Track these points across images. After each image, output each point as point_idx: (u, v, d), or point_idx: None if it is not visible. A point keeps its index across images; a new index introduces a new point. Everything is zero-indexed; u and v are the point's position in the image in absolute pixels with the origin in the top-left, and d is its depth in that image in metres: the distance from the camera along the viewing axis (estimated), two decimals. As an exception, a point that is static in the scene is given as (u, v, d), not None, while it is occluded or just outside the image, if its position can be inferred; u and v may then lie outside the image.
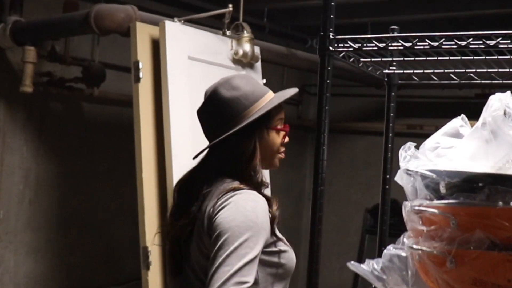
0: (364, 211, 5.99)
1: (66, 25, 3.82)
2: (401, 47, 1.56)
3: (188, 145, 3.29)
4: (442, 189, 1.36)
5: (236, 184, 1.93)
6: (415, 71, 1.97)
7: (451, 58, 1.79)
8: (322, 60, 1.56)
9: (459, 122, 1.59)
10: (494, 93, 5.56)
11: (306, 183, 6.36)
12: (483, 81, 2.02)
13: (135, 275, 3.96)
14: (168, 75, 3.22)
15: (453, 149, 1.47)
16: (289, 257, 1.98)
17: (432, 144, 1.53)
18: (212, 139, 2.04)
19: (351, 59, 1.83)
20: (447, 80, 2.07)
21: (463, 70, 1.90)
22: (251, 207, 1.85)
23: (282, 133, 2.08)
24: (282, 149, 2.11)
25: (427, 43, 1.55)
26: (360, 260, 5.70)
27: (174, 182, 3.16)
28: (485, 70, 1.98)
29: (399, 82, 2.13)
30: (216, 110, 2.03)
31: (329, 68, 1.55)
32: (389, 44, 1.59)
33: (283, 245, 1.96)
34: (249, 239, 1.79)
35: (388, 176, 2.07)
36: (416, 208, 1.40)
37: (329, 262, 6.00)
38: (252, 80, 2.12)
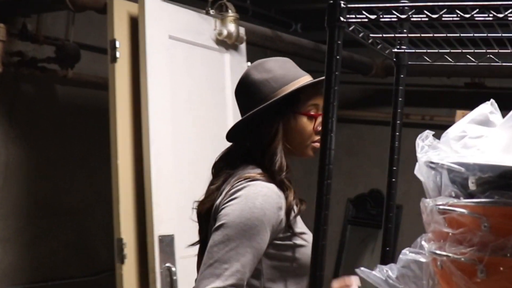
0: (346, 201, 5.83)
1: (39, 0, 3.60)
2: (426, 19, 1.34)
3: (167, 131, 3.09)
4: (472, 186, 1.16)
5: (253, 172, 1.90)
6: (428, 50, 1.74)
7: (475, 35, 1.55)
8: (331, 32, 1.35)
9: (488, 108, 1.39)
10: (484, 83, 5.41)
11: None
12: (504, 63, 1.79)
13: (109, 266, 3.78)
14: (147, 55, 3.02)
15: (483, 139, 1.28)
16: (305, 252, 1.88)
17: (458, 133, 1.33)
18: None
19: (361, 34, 1.61)
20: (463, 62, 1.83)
21: (484, 51, 1.67)
22: (260, 203, 1.81)
23: (318, 120, 1.97)
24: (316, 137, 2.00)
25: (456, 15, 1.30)
26: (342, 251, 5.58)
27: (152, 170, 2.99)
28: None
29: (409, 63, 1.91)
30: (245, 92, 2.00)
31: (339, 42, 1.35)
32: (411, 16, 1.36)
33: (299, 240, 1.90)
34: (251, 237, 1.76)
35: (395, 168, 1.85)
36: (441, 207, 1.20)
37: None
38: (288, 64, 2.04)
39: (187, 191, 3.16)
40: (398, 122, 1.83)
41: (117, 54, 3.02)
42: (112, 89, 3.04)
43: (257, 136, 1.96)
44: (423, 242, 1.32)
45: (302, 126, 1.98)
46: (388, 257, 1.82)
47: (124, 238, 2.98)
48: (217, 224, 1.81)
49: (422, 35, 1.63)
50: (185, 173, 3.19)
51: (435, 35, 1.63)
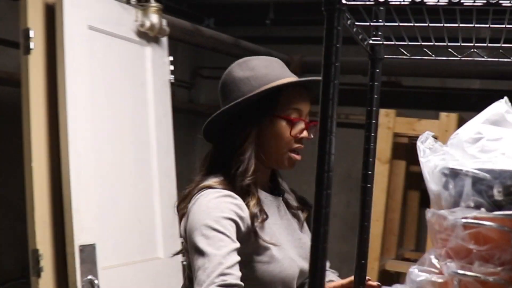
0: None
1: None
2: (407, 3, 1.16)
3: (86, 130, 2.82)
4: (498, 195, 1.02)
5: (211, 180, 1.77)
6: (408, 42, 1.58)
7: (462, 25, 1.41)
8: (330, 17, 1.15)
9: (503, 107, 1.25)
10: (400, 82, 5.35)
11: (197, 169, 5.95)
12: (488, 59, 1.66)
13: (16, 275, 3.48)
14: (65, 47, 2.73)
15: (503, 141, 1.13)
16: (267, 270, 1.75)
17: (472, 135, 1.17)
18: None
19: (349, 22, 1.42)
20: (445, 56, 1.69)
21: (471, 44, 1.53)
22: (214, 204, 1.70)
23: (298, 126, 1.81)
24: (295, 145, 1.83)
25: None
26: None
27: (71, 173, 2.71)
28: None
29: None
30: (225, 89, 1.87)
31: (339, 28, 1.15)
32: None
33: (262, 255, 1.75)
34: (220, 233, 1.64)
35: (369, 173, 1.68)
36: (465, 220, 1.04)
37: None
38: (275, 64, 1.88)
39: (108, 196, 2.92)
40: (374, 121, 1.66)
41: (31, 45, 2.71)
42: (25, 84, 2.72)
43: (228, 138, 1.82)
44: (433, 259, 1.16)
45: (279, 131, 1.81)
46: (364, 271, 1.66)
47: (40, 249, 2.68)
48: (189, 245, 1.71)
49: (401, 24, 1.47)
50: (105, 176, 2.93)
51: (416, 24, 1.47)
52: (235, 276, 1.60)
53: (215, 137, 1.88)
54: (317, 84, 1.81)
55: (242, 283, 1.61)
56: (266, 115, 1.81)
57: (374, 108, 1.66)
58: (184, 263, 3.36)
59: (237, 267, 1.62)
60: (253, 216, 1.73)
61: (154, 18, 3.14)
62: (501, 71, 4.32)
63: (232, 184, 1.76)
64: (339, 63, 1.18)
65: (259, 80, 1.80)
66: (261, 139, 1.81)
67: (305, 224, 2.01)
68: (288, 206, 1.98)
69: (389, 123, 4.01)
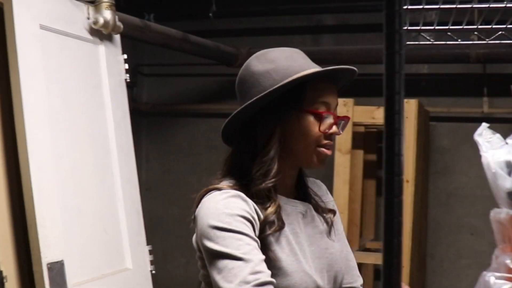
0: (209, 200, 5.51)
1: None
2: None
3: (45, 138, 2.62)
4: None
5: (220, 184, 1.66)
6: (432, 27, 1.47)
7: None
8: (391, 41, 0.99)
9: None
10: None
11: (143, 172, 5.75)
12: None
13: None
14: (17, 49, 2.51)
15: None
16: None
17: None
18: None
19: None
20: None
21: (500, 26, 1.42)
22: (223, 205, 1.57)
23: (327, 121, 1.67)
24: (324, 141, 1.67)
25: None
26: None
27: (33, 186, 2.49)
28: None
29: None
30: (243, 85, 1.73)
31: (401, 31, 1.00)
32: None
33: (270, 265, 1.56)
34: (235, 233, 1.52)
35: None
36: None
37: (173, 256, 5.49)
38: (296, 55, 1.72)
39: (72, 207, 2.73)
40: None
41: (-21, 48, 2.49)
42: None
43: (250, 138, 1.67)
44: (507, 261, 1.05)
45: (307, 127, 1.66)
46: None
47: (4, 271, 2.46)
48: (205, 254, 1.58)
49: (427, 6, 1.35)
50: (67, 186, 2.72)
51: (442, 6, 1.36)
52: (266, 273, 1.48)
53: (234, 138, 1.74)
54: (345, 74, 1.70)
55: (274, 280, 1.50)
56: (292, 110, 1.66)
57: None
58: (153, 272, 3.19)
59: (264, 264, 1.50)
60: (266, 224, 1.59)
61: (107, 14, 2.94)
62: (450, 54, 4.31)
63: (248, 187, 1.62)
64: (403, 68, 1.04)
65: (281, 73, 1.64)
66: (286, 137, 1.67)
67: (339, 228, 1.86)
68: (317, 210, 1.81)
69: (348, 112, 3.93)
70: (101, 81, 3.03)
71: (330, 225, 1.80)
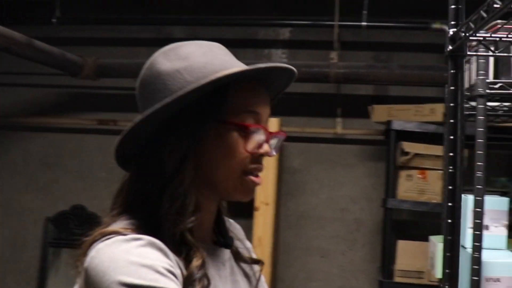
0: (44, 220, 5.05)
1: None
2: None
3: None
4: None
5: (116, 226, 1.19)
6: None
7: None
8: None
9: None
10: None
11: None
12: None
13: None
14: None
15: None
16: None
17: None
18: None
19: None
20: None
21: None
22: (137, 256, 1.11)
23: (256, 137, 1.26)
24: (252, 165, 1.26)
25: None
26: (44, 277, 4.83)
27: None
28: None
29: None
30: (146, 90, 1.26)
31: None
32: None
33: None
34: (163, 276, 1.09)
35: None
36: None
37: (5, 282, 4.99)
38: (217, 50, 1.30)
39: None
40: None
41: None
42: None
43: (154, 160, 1.23)
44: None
45: (229, 144, 1.24)
46: None
47: None
48: None
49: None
50: None
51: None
52: None
53: (133, 160, 1.29)
54: (281, 76, 1.33)
55: None
56: (209, 122, 1.23)
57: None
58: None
59: None
60: (190, 282, 1.17)
61: None
62: (308, 73, 4.26)
63: (158, 231, 1.18)
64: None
65: (196, 73, 1.23)
66: (203, 160, 1.24)
67: (261, 280, 1.46)
68: (237, 259, 1.41)
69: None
70: None
71: (249, 278, 1.42)
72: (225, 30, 4.90)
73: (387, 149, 4.17)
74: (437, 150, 4.01)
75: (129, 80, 4.80)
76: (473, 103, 2.41)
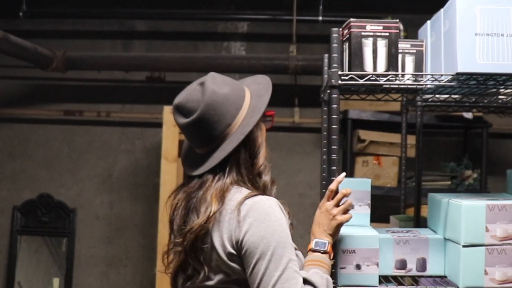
0: (12, 209, 5.18)
1: None
2: None
3: None
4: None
5: (246, 191, 1.80)
6: None
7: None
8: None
9: None
10: (164, 77, 5.37)
11: None
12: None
13: None
14: None
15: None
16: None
17: None
18: (213, 142, 1.86)
19: None
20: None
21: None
22: (279, 214, 1.77)
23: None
24: None
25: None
26: (13, 265, 4.96)
27: None
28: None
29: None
30: (220, 109, 1.82)
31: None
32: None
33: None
34: (291, 245, 1.75)
35: None
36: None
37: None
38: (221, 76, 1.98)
39: None
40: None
41: None
42: None
43: (246, 151, 1.87)
44: None
45: (264, 132, 1.95)
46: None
47: None
48: (258, 251, 1.71)
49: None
50: None
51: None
52: None
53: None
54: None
55: None
56: (262, 123, 1.94)
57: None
58: None
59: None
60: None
61: None
62: (269, 65, 4.49)
63: (257, 182, 1.88)
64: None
65: (237, 93, 1.87)
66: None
67: None
68: None
69: (174, 120, 3.92)
70: None
71: None
72: (185, 24, 5.10)
73: (344, 137, 4.40)
74: (391, 137, 4.28)
75: (95, 72, 4.98)
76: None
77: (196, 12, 5.05)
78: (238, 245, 1.73)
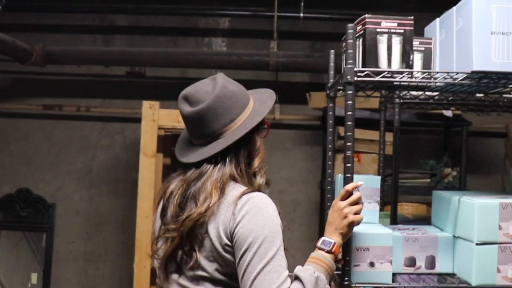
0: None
1: None
2: None
3: None
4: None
5: (242, 187, 1.87)
6: None
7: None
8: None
9: None
10: (144, 73, 5.37)
11: None
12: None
13: None
14: None
15: None
16: None
17: None
18: (213, 135, 1.92)
19: None
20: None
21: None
22: (272, 211, 1.85)
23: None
24: None
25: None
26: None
27: None
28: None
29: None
30: (227, 103, 1.91)
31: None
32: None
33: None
34: (280, 242, 1.82)
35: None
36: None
37: None
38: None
39: None
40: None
41: None
42: None
43: (246, 149, 1.97)
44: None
45: (262, 143, 2.06)
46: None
47: None
48: (243, 242, 1.78)
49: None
50: None
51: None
52: None
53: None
54: None
55: None
56: (261, 127, 2.04)
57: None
58: None
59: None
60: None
61: None
62: (250, 61, 4.49)
63: (252, 182, 1.95)
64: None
65: (243, 93, 1.97)
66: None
67: None
68: None
69: (153, 115, 3.91)
70: None
71: None
72: (167, 19, 5.08)
73: (323, 134, 4.40)
74: (371, 134, 4.29)
75: (75, 66, 4.95)
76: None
77: (177, 7, 5.03)
78: (231, 236, 1.81)
